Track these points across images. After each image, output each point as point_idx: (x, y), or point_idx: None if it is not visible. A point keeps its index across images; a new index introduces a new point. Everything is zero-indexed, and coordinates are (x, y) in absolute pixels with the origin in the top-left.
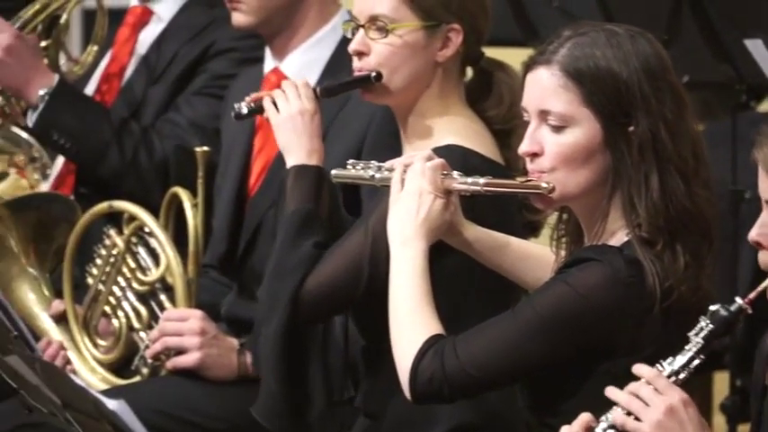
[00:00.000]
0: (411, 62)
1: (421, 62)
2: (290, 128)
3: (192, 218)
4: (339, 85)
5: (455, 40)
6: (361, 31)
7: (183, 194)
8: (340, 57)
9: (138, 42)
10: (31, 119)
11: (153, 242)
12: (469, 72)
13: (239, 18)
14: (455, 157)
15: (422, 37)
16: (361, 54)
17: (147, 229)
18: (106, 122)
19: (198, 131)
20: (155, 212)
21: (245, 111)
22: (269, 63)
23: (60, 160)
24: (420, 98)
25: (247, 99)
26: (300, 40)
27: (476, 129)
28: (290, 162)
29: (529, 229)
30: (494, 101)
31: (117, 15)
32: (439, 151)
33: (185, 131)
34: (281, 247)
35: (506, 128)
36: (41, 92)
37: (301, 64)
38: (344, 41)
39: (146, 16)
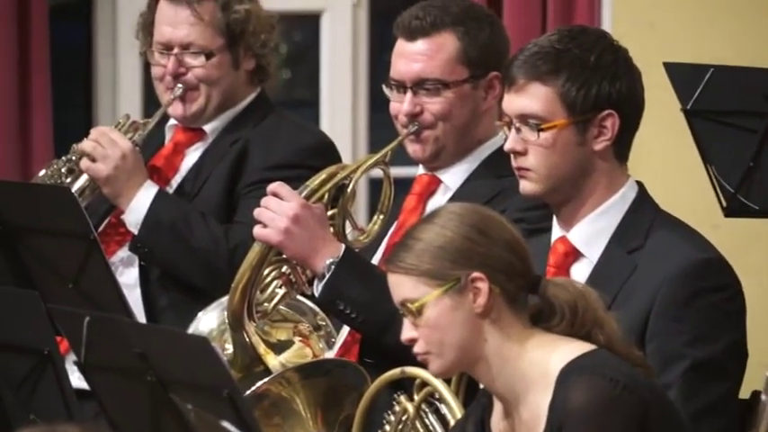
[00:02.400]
0: (452, 333)
1: (461, 327)
2: None
3: None
4: None
5: (483, 288)
6: None
7: None
8: (627, 225)
9: (426, 211)
10: (316, 288)
11: (443, 408)
12: None
13: (528, 186)
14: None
15: (448, 302)
16: None
17: (437, 395)
18: None
19: None
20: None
21: None
22: (556, 232)
23: (345, 329)
24: (483, 354)
25: None
26: (589, 209)
27: (566, 342)
28: None
29: None
30: (557, 320)
31: (403, 184)
32: (569, 383)
33: None
34: None
35: (582, 335)
36: (328, 261)
37: (589, 233)
38: (632, 209)
39: (433, 185)
